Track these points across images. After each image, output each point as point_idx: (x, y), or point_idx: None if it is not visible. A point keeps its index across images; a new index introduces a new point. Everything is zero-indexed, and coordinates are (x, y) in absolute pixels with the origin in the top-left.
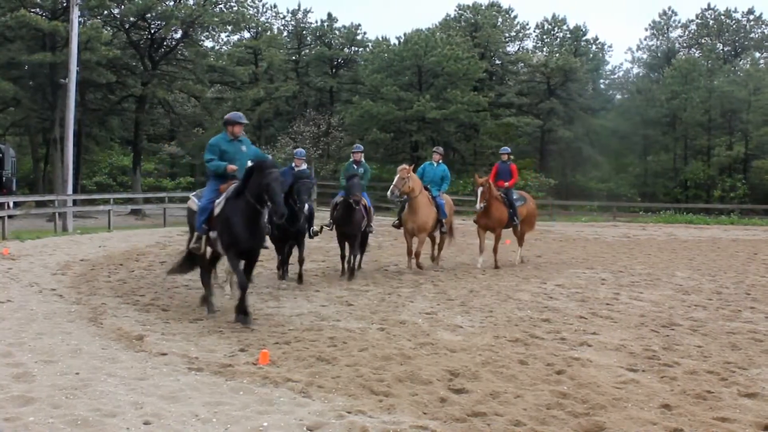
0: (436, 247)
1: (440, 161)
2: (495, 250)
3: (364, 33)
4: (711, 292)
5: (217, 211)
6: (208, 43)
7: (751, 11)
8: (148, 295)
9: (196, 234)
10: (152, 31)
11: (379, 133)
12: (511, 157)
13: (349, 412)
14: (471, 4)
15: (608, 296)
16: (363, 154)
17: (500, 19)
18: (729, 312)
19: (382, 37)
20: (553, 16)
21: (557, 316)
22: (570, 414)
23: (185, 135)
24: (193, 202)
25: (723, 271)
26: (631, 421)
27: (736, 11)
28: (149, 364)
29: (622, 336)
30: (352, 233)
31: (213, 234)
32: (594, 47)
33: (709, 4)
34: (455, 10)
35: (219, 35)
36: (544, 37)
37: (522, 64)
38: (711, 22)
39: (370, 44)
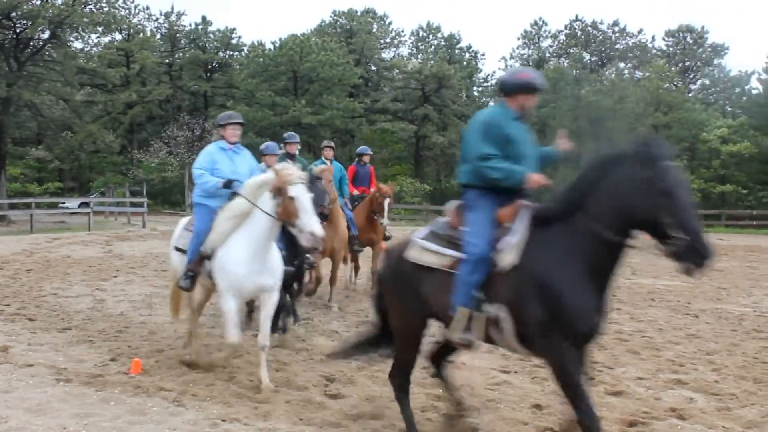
0: (351, 266)
1: (333, 158)
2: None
3: (239, 37)
4: None
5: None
6: (78, 44)
7: (616, 23)
8: (14, 305)
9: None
10: (18, 31)
11: (255, 138)
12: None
13: (223, 420)
14: (346, 11)
15: None
16: (299, 146)
17: (375, 26)
18: None
19: (258, 42)
20: (428, 23)
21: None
22: (446, 416)
23: (53, 139)
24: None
25: None
26: (504, 422)
27: (602, 23)
28: (14, 376)
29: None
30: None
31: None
32: (468, 55)
33: (577, 16)
34: (331, 16)
35: (89, 36)
36: (419, 44)
37: (397, 71)
38: (579, 32)
39: (245, 48)
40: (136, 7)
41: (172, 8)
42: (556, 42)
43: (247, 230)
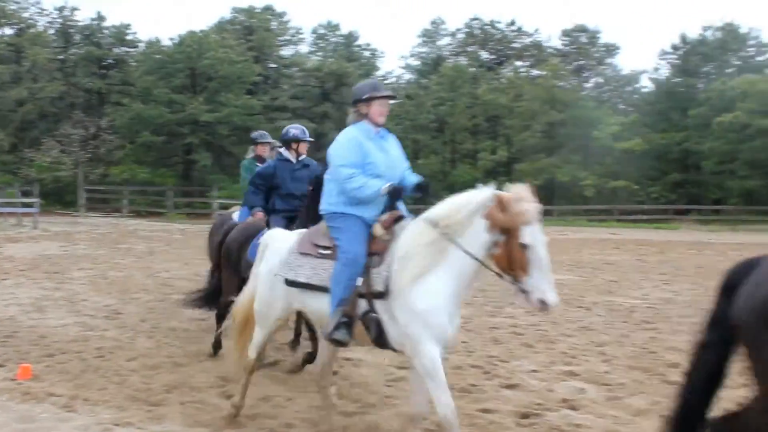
0: None
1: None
2: None
3: (135, 33)
4: (476, 290)
5: None
6: None
7: (513, 22)
8: None
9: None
10: None
11: (151, 136)
12: None
13: (116, 425)
14: (246, 7)
15: None
16: (270, 147)
17: (274, 23)
18: (492, 308)
19: (154, 38)
20: (327, 21)
21: None
22: (342, 414)
23: None
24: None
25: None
26: (400, 418)
27: (500, 22)
28: None
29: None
30: None
31: None
32: (367, 53)
33: (475, 15)
34: (230, 13)
35: None
36: (318, 41)
37: (296, 68)
38: (477, 31)
39: (141, 45)
40: (27, 1)
41: (66, 2)
42: (454, 40)
43: (446, 266)
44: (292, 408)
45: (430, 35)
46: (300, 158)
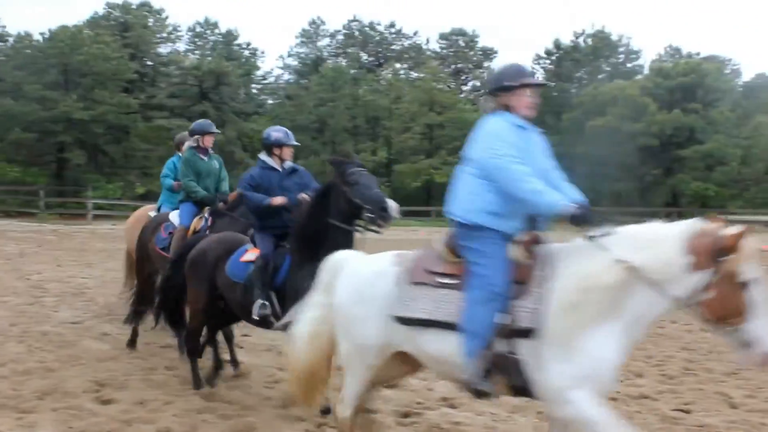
0: None
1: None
2: None
3: (4, 27)
4: None
5: None
6: None
7: (392, 25)
8: None
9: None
10: None
11: (22, 133)
12: None
13: None
14: (121, 3)
15: None
16: (214, 138)
17: (151, 20)
18: None
19: (25, 33)
20: (206, 19)
21: None
22: (221, 417)
23: None
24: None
25: None
26: (280, 420)
27: (379, 24)
28: None
29: (273, 336)
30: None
31: None
32: (246, 52)
33: (354, 16)
34: (104, 8)
35: None
36: (197, 39)
37: (174, 66)
38: (357, 33)
39: (10, 39)
40: None
41: None
42: (334, 41)
43: (629, 311)
44: (170, 412)
45: (309, 36)
46: (284, 165)
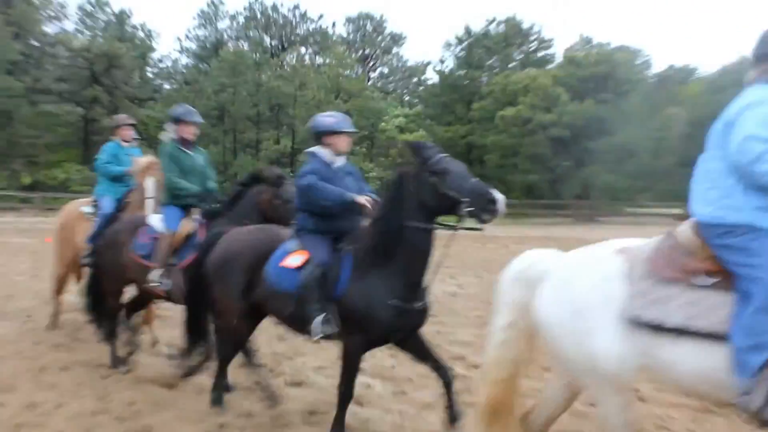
0: None
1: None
2: None
3: None
4: None
5: None
6: None
7: (297, 7)
8: None
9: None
10: None
11: None
12: None
13: None
14: None
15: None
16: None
17: None
18: None
19: None
20: None
21: None
22: (117, 419)
23: None
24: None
25: None
26: (178, 420)
27: (282, 6)
28: None
29: (172, 334)
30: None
31: None
32: (141, 33)
33: None
34: None
35: None
36: (86, 19)
37: (62, 48)
38: (259, 15)
39: None
40: None
41: None
42: (234, 23)
43: None
44: (63, 415)
45: (208, 17)
46: (338, 158)
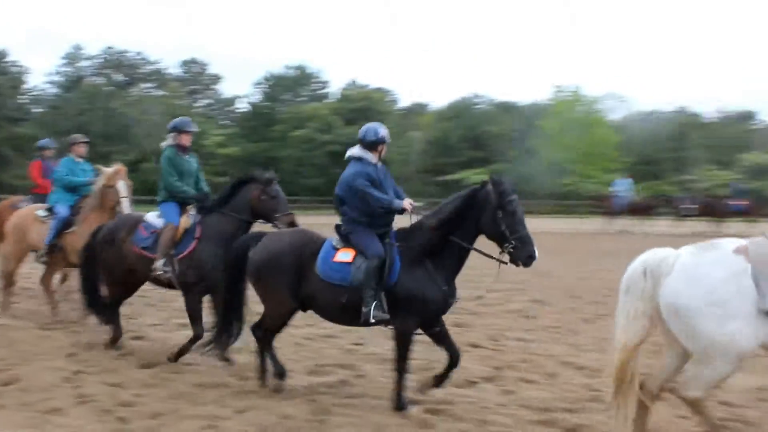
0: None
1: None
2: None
3: None
4: None
5: None
6: None
7: (140, 53)
8: None
9: None
10: None
11: None
12: None
13: None
14: None
15: None
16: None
17: None
18: None
19: None
20: None
21: None
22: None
23: None
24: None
25: None
26: (42, 370)
27: (129, 51)
28: None
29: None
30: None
31: None
32: (14, 69)
33: (110, 45)
34: None
35: None
36: None
37: None
38: (112, 57)
39: None
40: None
41: None
42: (93, 63)
43: None
44: None
45: (73, 57)
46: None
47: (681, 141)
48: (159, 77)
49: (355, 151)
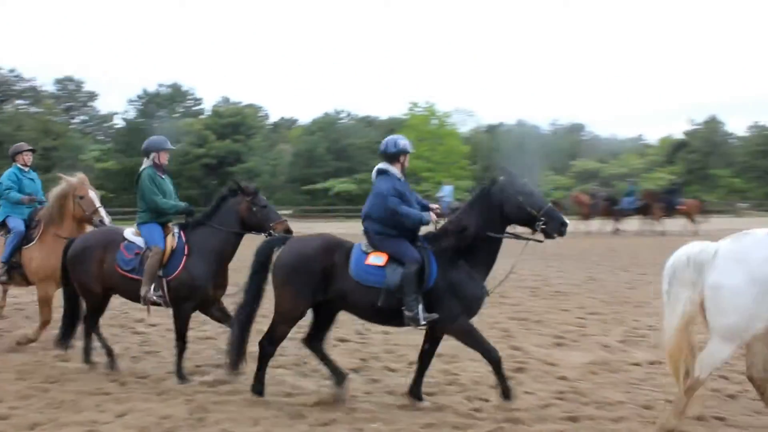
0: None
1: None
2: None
3: None
4: None
5: None
6: None
7: (14, 70)
8: None
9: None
10: None
11: None
12: None
13: None
14: None
15: None
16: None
17: None
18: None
19: None
20: None
21: None
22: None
23: None
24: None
25: None
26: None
27: (2, 69)
28: None
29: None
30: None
31: None
32: None
33: None
34: None
35: None
36: None
37: None
38: None
39: None
40: None
41: None
42: None
43: None
44: None
45: None
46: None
47: (521, 150)
48: (34, 94)
49: (381, 165)
